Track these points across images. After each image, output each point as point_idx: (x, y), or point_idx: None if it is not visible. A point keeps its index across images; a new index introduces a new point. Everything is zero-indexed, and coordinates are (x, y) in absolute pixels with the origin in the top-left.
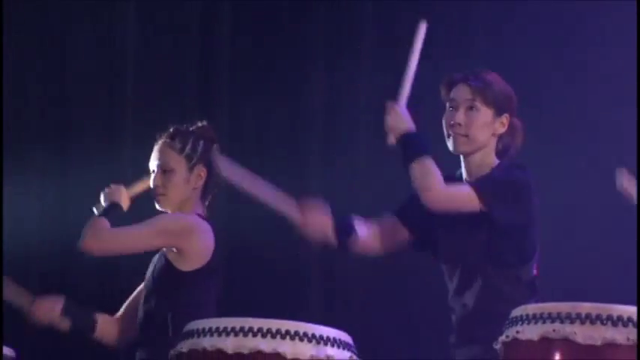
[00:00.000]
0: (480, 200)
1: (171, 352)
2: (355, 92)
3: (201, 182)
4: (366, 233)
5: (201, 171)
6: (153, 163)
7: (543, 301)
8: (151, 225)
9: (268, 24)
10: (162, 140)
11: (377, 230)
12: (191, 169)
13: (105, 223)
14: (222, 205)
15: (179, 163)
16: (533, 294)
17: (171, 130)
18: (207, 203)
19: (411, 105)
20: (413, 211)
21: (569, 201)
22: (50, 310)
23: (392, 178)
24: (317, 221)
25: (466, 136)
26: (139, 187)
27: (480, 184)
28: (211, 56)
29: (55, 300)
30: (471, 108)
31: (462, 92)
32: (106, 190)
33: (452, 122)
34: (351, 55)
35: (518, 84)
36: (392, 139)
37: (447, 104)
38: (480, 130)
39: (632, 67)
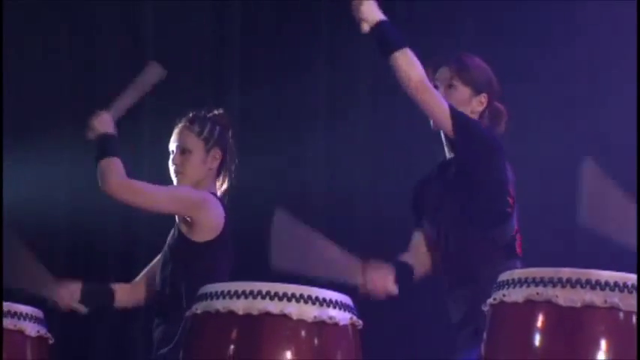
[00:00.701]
0: (452, 123)
1: (187, 313)
2: (355, 75)
3: (216, 164)
4: (418, 268)
5: (216, 153)
6: (172, 145)
7: (528, 266)
8: (170, 190)
9: (277, 15)
10: (182, 124)
11: (424, 256)
12: (207, 151)
13: (120, 164)
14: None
15: (197, 145)
16: (511, 257)
17: (190, 115)
18: (222, 185)
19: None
20: (420, 207)
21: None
22: (70, 297)
23: (391, 157)
24: (380, 283)
25: None
26: (122, 104)
27: (457, 113)
28: (223, 44)
29: (74, 287)
30: (450, 86)
31: (443, 73)
32: (94, 122)
33: None
34: (353, 40)
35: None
36: (365, 28)
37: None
38: (458, 107)
39: (631, 63)
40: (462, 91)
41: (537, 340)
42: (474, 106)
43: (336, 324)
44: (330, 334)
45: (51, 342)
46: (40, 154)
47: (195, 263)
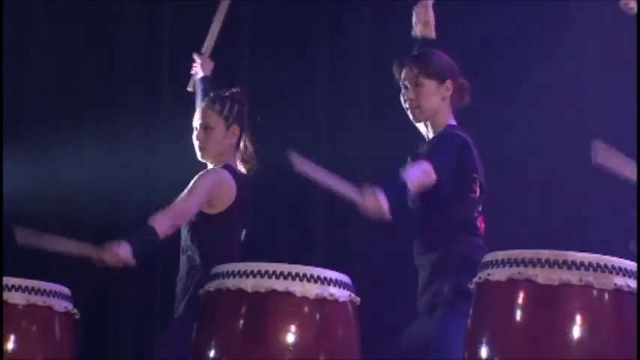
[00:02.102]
0: (436, 174)
1: (200, 291)
2: (357, 55)
3: (235, 139)
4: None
5: (235, 129)
6: (196, 122)
7: (510, 248)
8: (194, 193)
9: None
10: (205, 103)
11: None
12: (228, 127)
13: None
14: None
15: (218, 123)
16: (473, 235)
17: (211, 94)
18: (240, 157)
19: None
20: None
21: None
22: (122, 255)
23: (394, 131)
24: (373, 204)
25: (418, 107)
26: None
27: (436, 165)
28: (236, 33)
29: (122, 245)
30: (417, 84)
31: (408, 73)
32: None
33: (405, 99)
34: (355, 20)
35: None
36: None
37: (401, 84)
38: (428, 100)
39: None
40: (429, 85)
41: (518, 315)
42: (443, 93)
43: (336, 300)
44: (331, 309)
45: (77, 317)
46: (62, 145)
47: (209, 232)
